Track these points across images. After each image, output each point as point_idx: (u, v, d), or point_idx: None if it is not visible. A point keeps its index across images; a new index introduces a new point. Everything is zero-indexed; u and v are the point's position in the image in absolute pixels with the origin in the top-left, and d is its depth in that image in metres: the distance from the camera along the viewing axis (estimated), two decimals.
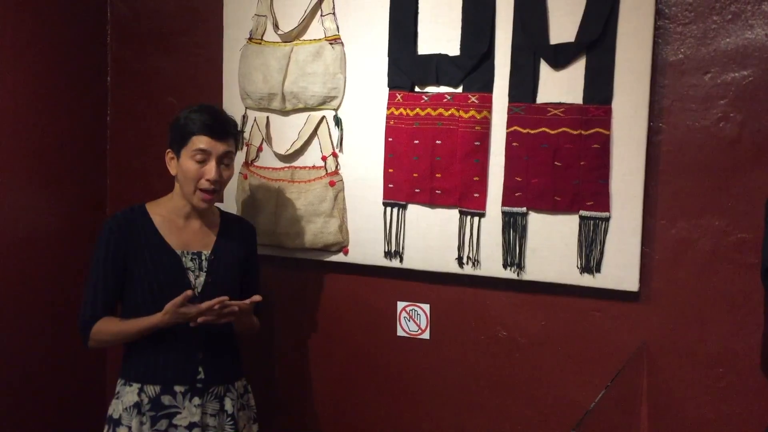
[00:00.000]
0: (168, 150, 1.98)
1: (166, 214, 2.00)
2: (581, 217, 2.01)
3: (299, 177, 2.33)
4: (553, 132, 2.01)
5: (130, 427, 1.92)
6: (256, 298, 1.95)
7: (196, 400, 1.96)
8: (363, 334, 2.35)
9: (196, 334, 1.96)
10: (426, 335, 2.27)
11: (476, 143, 2.09)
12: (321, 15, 2.27)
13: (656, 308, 1.99)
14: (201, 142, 1.91)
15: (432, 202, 2.17)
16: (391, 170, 2.21)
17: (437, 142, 2.14)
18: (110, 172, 2.73)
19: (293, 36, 2.31)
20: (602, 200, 1.98)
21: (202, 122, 1.91)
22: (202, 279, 1.98)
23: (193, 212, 2.02)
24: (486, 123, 2.09)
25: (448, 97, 2.12)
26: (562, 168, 2.01)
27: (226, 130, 1.95)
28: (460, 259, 2.15)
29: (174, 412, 1.94)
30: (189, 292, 1.84)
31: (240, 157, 2.41)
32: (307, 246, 2.32)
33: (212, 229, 2.06)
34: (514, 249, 2.08)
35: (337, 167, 2.29)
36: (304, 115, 2.32)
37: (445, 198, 2.15)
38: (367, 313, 2.34)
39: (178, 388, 1.95)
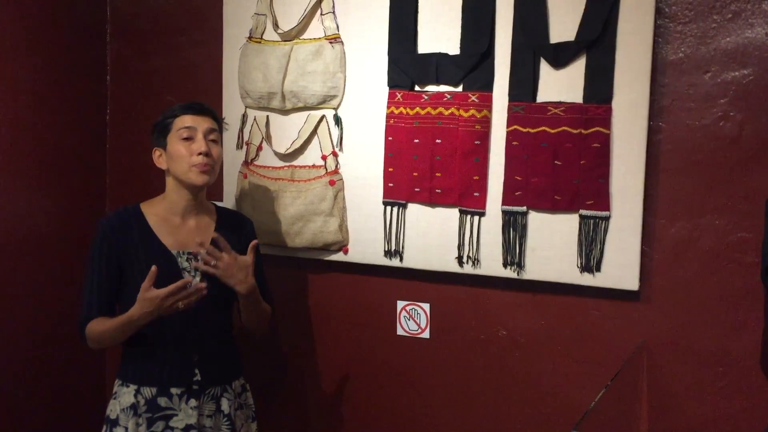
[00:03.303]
0: (154, 149, 2.00)
1: (162, 214, 2.00)
2: (581, 216, 2.01)
3: (299, 176, 2.33)
4: (553, 131, 2.01)
5: (126, 428, 1.91)
6: (254, 242, 1.98)
7: (193, 402, 1.95)
8: (363, 333, 2.35)
9: (191, 336, 1.95)
10: (426, 334, 2.27)
11: (476, 142, 2.09)
12: (321, 14, 2.27)
13: (656, 307, 1.99)
14: (184, 121, 1.95)
15: (432, 201, 2.17)
16: (391, 169, 2.21)
17: (437, 141, 2.14)
18: (110, 171, 2.72)
19: (293, 35, 2.30)
20: (602, 199, 1.98)
21: (181, 105, 1.98)
22: (197, 279, 1.96)
23: (189, 210, 2.01)
24: (486, 122, 2.09)
25: (448, 96, 2.12)
26: (562, 167, 2.01)
27: (206, 108, 2.00)
28: (460, 259, 2.15)
29: (170, 414, 1.93)
30: (154, 269, 1.79)
31: (240, 157, 2.41)
32: (307, 245, 2.32)
33: (209, 227, 2.05)
34: (514, 248, 2.08)
35: (336, 166, 2.29)
36: (304, 114, 2.32)
37: (445, 197, 2.15)
38: (366, 312, 2.34)
39: (174, 390, 1.94)
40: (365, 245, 2.27)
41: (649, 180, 1.96)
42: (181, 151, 1.93)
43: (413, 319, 2.28)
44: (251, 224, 2.18)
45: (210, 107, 2.02)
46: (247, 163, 2.40)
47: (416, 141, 2.16)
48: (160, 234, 1.97)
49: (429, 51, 2.15)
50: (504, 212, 2.09)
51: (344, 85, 2.26)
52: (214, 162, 1.96)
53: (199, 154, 1.92)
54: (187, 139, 1.94)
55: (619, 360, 1.99)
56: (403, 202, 2.21)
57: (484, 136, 2.09)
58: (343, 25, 2.25)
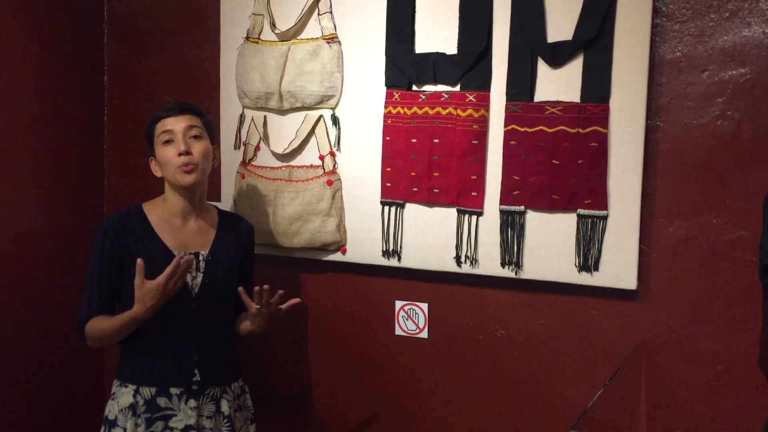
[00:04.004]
0: (150, 158, 2.01)
1: (163, 215, 2.00)
2: (579, 216, 2.01)
3: (297, 176, 2.33)
4: (550, 130, 2.01)
5: (125, 429, 1.91)
6: (295, 301, 2.01)
7: (192, 403, 1.95)
8: (361, 333, 2.35)
9: (191, 336, 1.95)
10: (424, 334, 2.26)
11: (474, 142, 2.09)
12: (318, 14, 2.27)
13: (654, 306, 1.99)
14: (163, 125, 1.94)
15: (430, 201, 2.17)
16: (388, 169, 2.21)
17: (435, 140, 2.14)
18: (107, 171, 2.72)
19: (290, 35, 2.30)
20: (600, 198, 1.98)
21: (163, 109, 1.97)
22: (198, 280, 1.97)
23: (189, 211, 2.01)
24: (484, 121, 2.09)
25: (446, 96, 2.12)
26: (559, 166, 2.01)
27: (185, 108, 1.98)
28: (458, 258, 2.15)
29: (169, 414, 1.93)
30: (140, 262, 1.80)
31: (237, 157, 2.41)
32: (305, 245, 2.32)
33: (210, 229, 2.05)
34: (512, 248, 2.08)
35: (334, 166, 2.29)
36: (302, 114, 2.32)
37: (443, 197, 2.15)
38: (365, 312, 2.34)
39: (173, 390, 1.94)
40: (363, 245, 2.27)
41: (647, 179, 1.96)
42: (165, 156, 1.93)
43: (411, 319, 2.27)
44: (251, 229, 2.18)
45: (189, 104, 2.00)
46: (244, 163, 2.40)
47: (414, 141, 2.16)
48: (162, 234, 1.97)
49: (426, 51, 2.14)
50: (502, 212, 2.09)
51: (342, 84, 2.26)
52: (198, 160, 1.93)
53: (180, 154, 1.91)
54: (167, 142, 1.93)
55: (618, 359, 1.99)
56: (401, 201, 2.20)
57: (482, 135, 2.09)
58: (341, 24, 2.25)
